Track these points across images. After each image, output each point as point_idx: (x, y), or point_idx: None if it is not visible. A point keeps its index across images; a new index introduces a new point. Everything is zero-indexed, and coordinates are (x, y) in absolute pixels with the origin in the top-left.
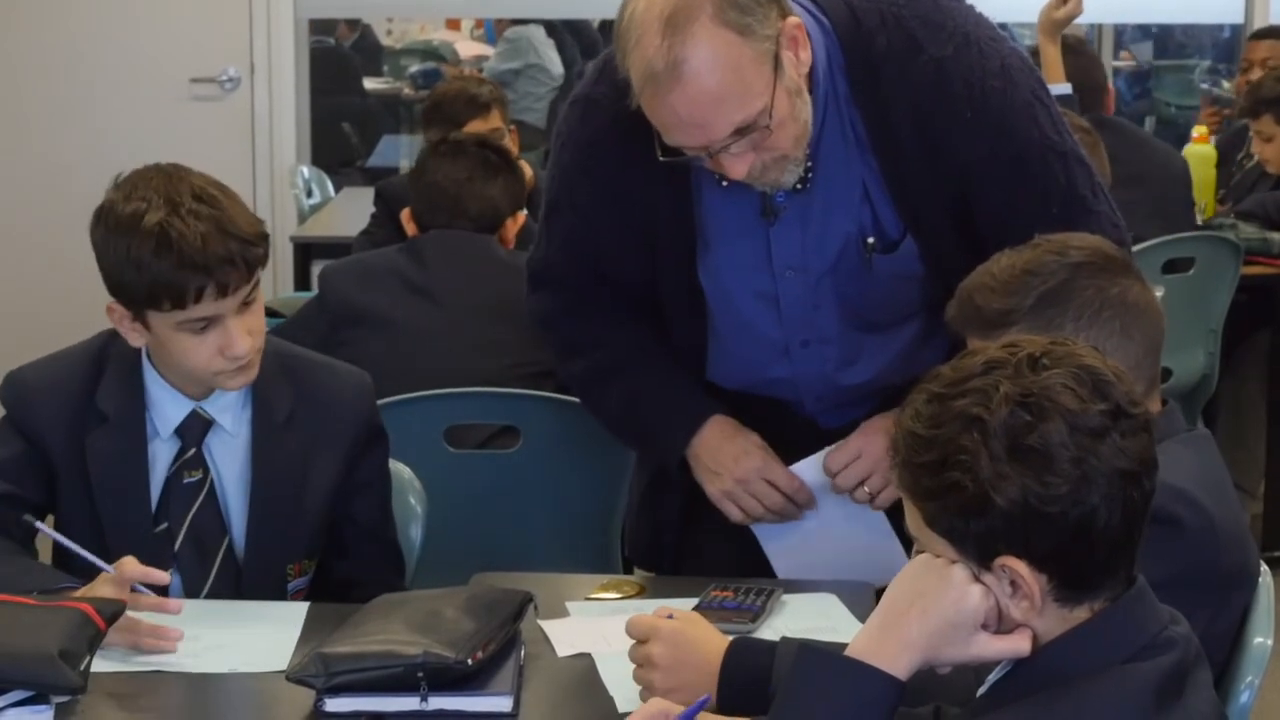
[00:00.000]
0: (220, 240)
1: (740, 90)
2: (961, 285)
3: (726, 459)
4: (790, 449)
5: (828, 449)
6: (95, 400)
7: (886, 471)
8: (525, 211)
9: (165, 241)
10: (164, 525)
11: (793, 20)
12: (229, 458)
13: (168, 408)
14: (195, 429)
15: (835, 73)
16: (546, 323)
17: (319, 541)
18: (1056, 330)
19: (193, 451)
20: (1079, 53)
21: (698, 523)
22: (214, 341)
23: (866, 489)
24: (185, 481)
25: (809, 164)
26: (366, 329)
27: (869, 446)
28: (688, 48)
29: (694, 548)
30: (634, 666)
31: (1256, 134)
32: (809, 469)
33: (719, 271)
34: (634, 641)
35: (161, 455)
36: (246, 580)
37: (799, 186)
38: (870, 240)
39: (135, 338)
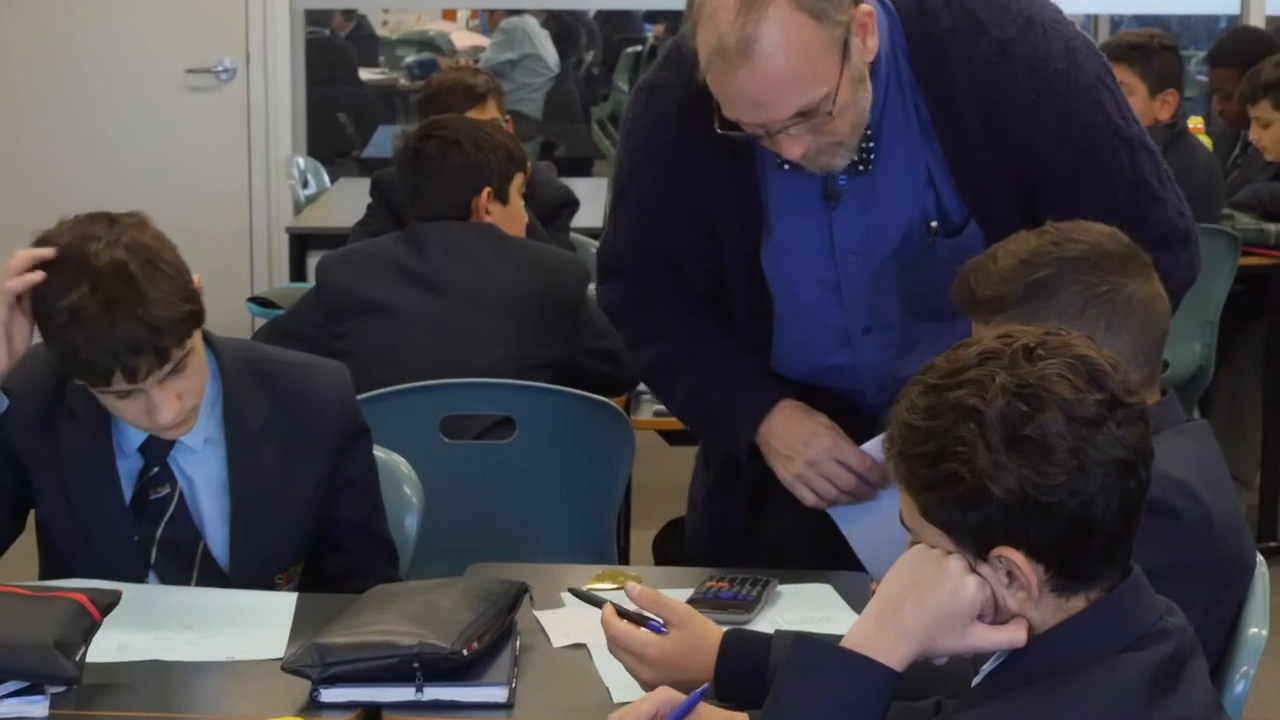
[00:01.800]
0: (129, 327)
1: (809, 74)
2: (966, 265)
3: (797, 442)
4: (855, 443)
5: None
6: (65, 398)
7: None
8: (520, 184)
9: (76, 323)
10: (137, 538)
11: (864, 7)
12: (200, 470)
13: (128, 427)
14: (158, 447)
15: (899, 56)
16: (615, 313)
17: (305, 547)
18: (1040, 322)
19: (156, 470)
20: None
21: (763, 518)
22: (139, 406)
23: None
24: (152, 498)
25: (871, 145)
26: (365, 319)
27: None
28: (762, 27)
29: (761, 543)
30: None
31: (1255, 119)
32: (880, 448)
33: (781, 256)
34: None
35: (128, 472)
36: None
37: (861, 169)
38: (934, 224)
39: None
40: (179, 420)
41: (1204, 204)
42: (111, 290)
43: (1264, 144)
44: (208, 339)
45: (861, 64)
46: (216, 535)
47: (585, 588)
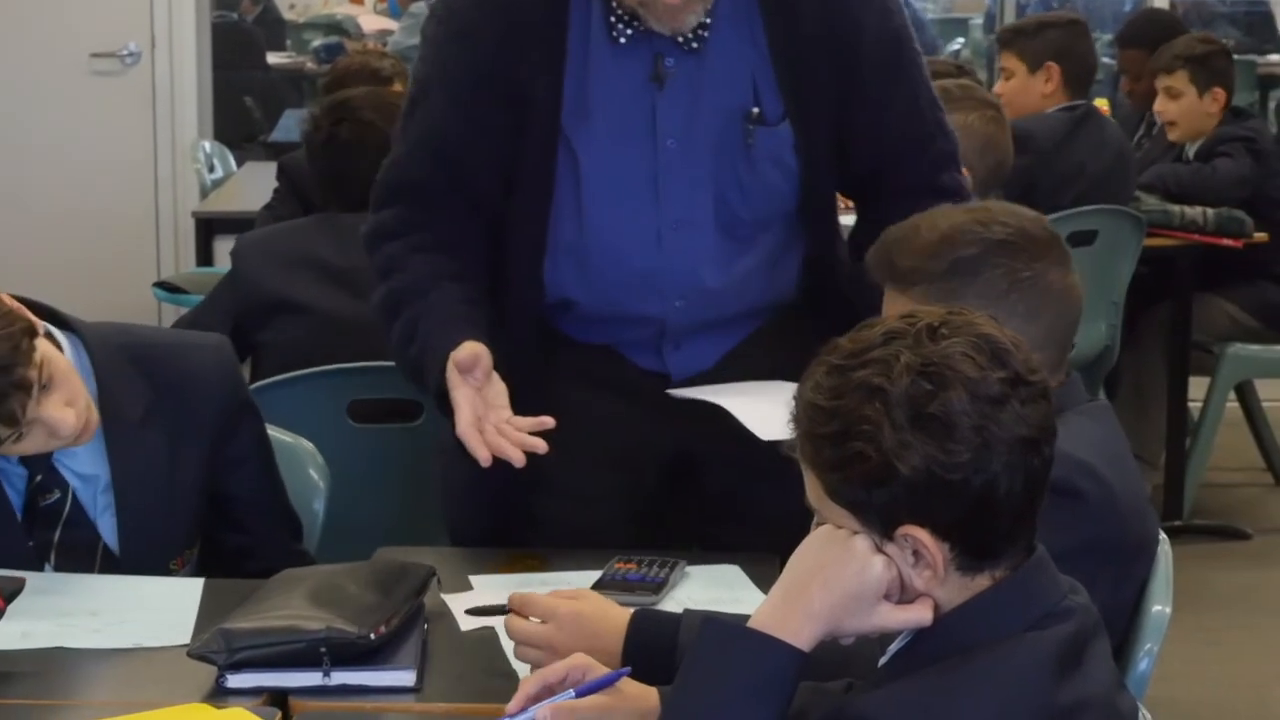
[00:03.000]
0: None
1: None
2: (887, 231)
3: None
4: (641, 403)
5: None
6: None
7: None
8: None
9: None
10: (32, 543)
11: None
12: (88, 466)
13: None
14: (38, 455)
15: None
16: (377, 237)
17: (198, 529)
18: (958, 301)
19: (40, 476)
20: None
21: (534, 491)
22: (39, 436)
23: None
24: (43, 505)
25: (707, 23)
26: (282, 317)
27: None
28: None
29: (532, 516)
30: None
31: (1165, 90)
32: None
33: (599, 141)
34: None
35: (14, 481)
36: None
37: (695, 46)
38: (755, 111)
39: None
40: (83, 423)
41: (1117, 183)
42: None
43: (1169, 117)
44: (75, 329)
45: None
46: (106, 527)
47: (483, 604)
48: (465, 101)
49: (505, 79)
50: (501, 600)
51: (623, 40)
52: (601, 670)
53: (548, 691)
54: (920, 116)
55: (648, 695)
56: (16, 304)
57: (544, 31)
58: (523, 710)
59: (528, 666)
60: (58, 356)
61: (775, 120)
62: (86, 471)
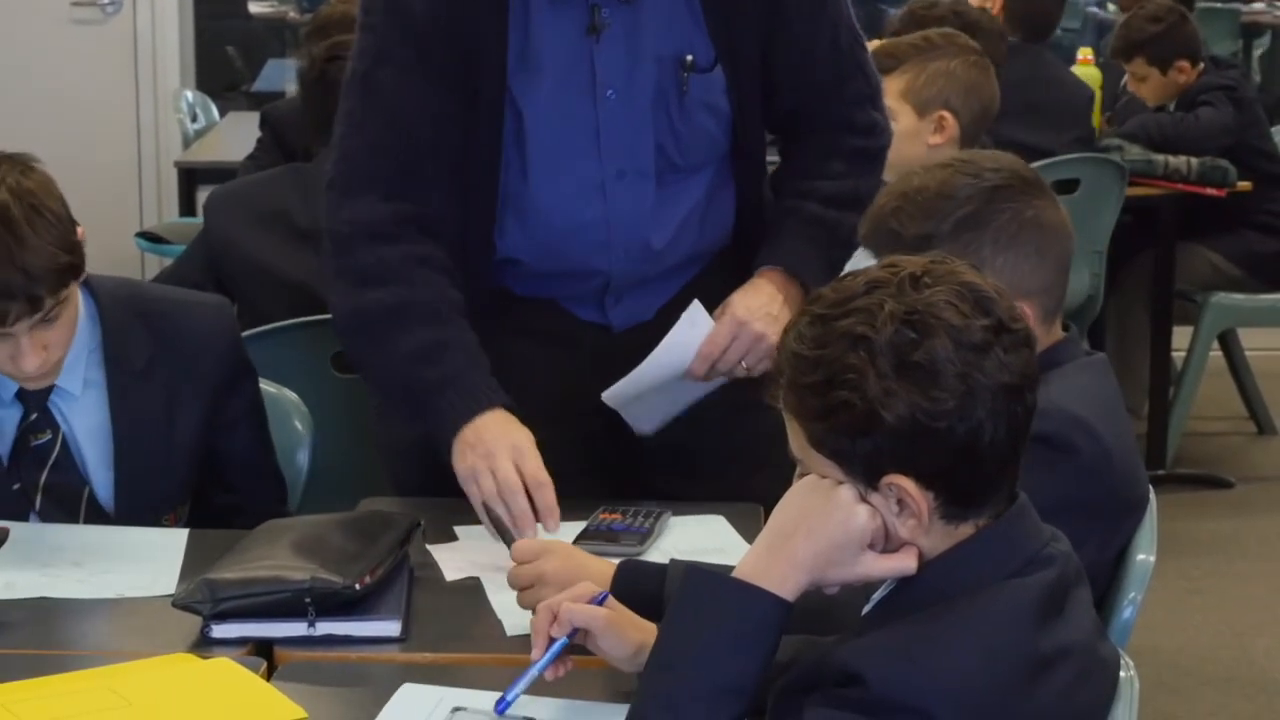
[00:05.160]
0: (3, 272)
1: None
2: (874, 207)
3: (492, 435)
4: (582, 354)
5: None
6: None
7: (757, 346)
8: None
9: None
10: (17, 485)
11: None
12: (83, 415)
13: (3, 377)
14: (37, 394)
15: None
16: (360, 235)
17: (191, 486)
18: (975, 254)
19: (35, 416)
20: None
21: None
22: (4, 351)
23: (744, 365)
24: (34, 444)
25: None
26: (250, 277)
27: (740, 327)
28: None
29: None
30: (518, 592)
31: (1131, 74)
32: (677, 350)
33: (541, 95)
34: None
35: (7, 420)
36: None
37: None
38: (689, 59)
39: None
40: (41, 372)
41: (1061, 115)
42: None
43: (1143, 95)
44: (85, 282)
45: None
46: (101, 479)
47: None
48: (418, 70)
49: (452, 35)
50: (488, 551)
51: None
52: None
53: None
54: (839, 54)
55: (647, 629)
56: (80, 244)
57: None
58: (547, 649)
59: (511, 616)
60: (74, 309)
61: (708, 66)
62: (79, 420)
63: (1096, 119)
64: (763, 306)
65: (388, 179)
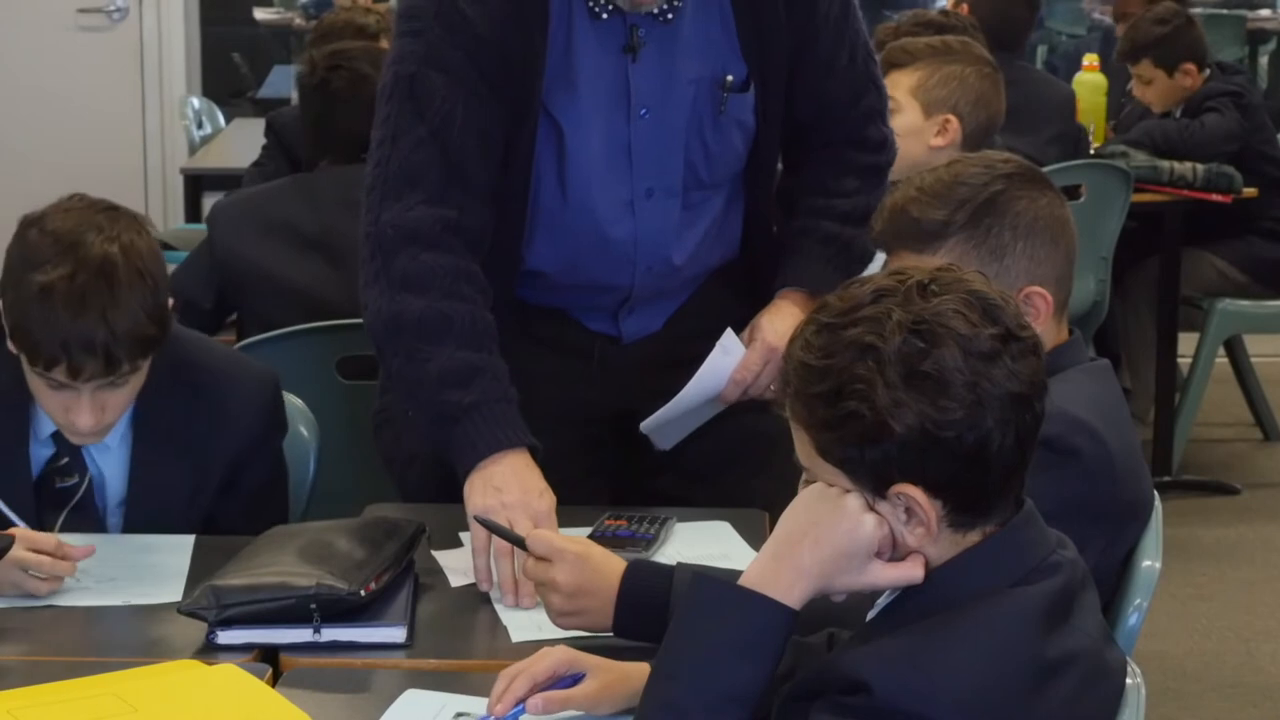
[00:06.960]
0: (91, 325)
1: None
2: (887, 201)
3: (514, 484)
4: (586, 363)
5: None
6: None
7: None
8: None
9: (44, 300)
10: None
11: None
12: (110, 465)
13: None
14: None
15: None
16: (402, 240)
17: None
18: (996, 238)
19: (65, 460)
20: None
21: None
22: (63, 400)
23: (774, 388)
24: (59, 486)
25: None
26: (263, 289)
27: (772, 352)
28: None
29: None
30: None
31: (1137, 77)
32: (710, 380)
33: (580, 112)
34: (532, 557)
35: (37, 458)
36: None
37: (670, 17)
38: (730, 79)
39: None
40: (93, 431)
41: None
42: (90, 283)
43: (1147, 100)
44: None
45: None
46: (112, 524)
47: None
48: (470, 79)
49: (501, 46)
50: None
51: (604, 16)
52: (586, 664)
53: (534, 690)
54: (856, 71)
55: (636, 674)
56: (169, 316)
57: (530, 5)
58: (512, 710)
59: (516, 623)
60: (141, 378)
61: (743, 85)
62: (107, 469)
63: (1100, 123)
64: (791, 331)
65: (431, 184)
